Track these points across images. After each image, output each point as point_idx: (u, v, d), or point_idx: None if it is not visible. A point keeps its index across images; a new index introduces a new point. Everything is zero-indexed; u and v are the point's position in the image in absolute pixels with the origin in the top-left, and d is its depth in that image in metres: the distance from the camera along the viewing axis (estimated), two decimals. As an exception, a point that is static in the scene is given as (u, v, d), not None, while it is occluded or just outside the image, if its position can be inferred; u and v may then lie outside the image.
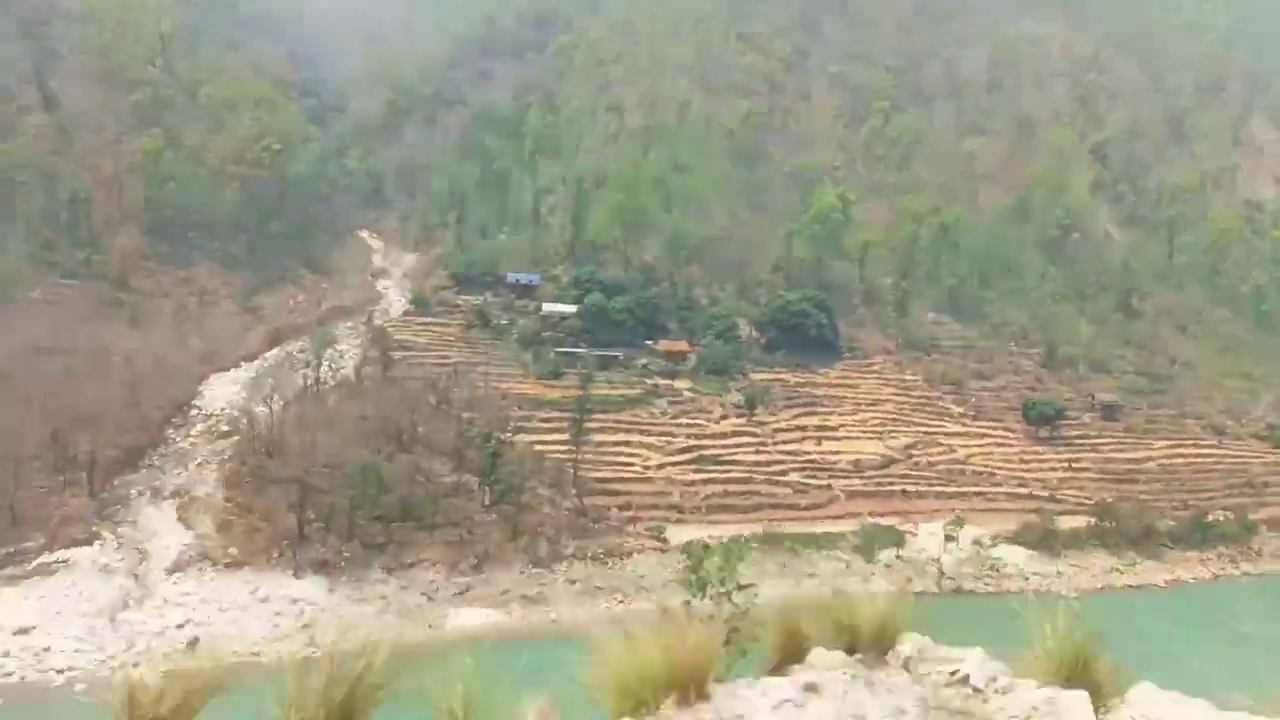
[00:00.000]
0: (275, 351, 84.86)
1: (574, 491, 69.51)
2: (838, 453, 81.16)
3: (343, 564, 60.53)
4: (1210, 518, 77.58)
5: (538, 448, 72.13)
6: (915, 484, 78.14)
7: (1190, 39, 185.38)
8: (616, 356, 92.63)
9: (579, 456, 70.92)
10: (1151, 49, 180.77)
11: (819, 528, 68.79)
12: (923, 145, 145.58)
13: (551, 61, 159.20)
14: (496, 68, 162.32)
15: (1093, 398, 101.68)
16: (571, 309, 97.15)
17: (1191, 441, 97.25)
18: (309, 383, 72.99)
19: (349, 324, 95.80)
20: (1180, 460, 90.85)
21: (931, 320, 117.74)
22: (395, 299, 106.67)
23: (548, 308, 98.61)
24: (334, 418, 67.79)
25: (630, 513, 67.60)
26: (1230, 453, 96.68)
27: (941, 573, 63.40)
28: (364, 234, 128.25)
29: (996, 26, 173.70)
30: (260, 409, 70.39)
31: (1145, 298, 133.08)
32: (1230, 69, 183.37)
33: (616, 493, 69.60)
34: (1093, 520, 74.07)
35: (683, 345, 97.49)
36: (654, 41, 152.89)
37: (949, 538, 65.70)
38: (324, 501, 62.24)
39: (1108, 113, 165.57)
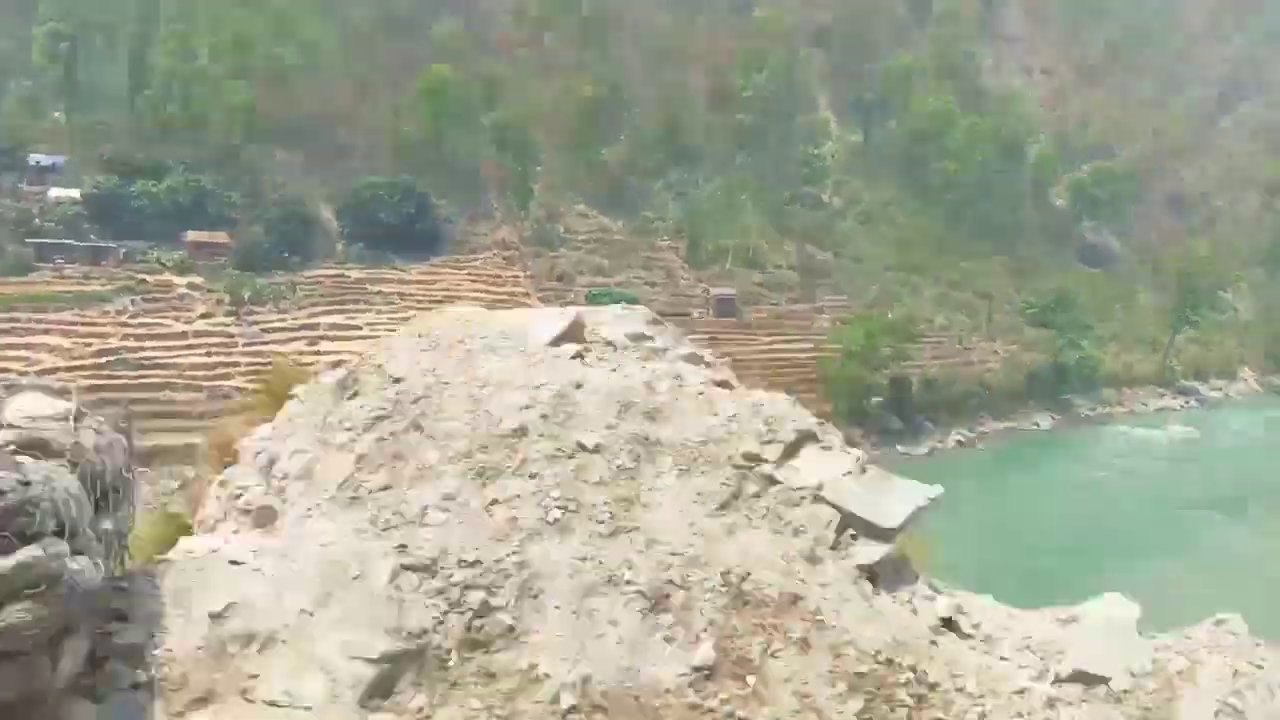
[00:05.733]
0: None
1: None
2: (328, 353, 68.74)
3: None
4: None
5: None
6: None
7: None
8: (111, 248, 77.83)
9: None
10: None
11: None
12: (620, 22, 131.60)
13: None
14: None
15: (707, 291, 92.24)
16: (75, 194, 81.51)
17: (800, 336, 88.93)
18: None
19: None
20: (765, 355, 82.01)
21: (578, 212, 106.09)
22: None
23: (54, 193, 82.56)
24: None
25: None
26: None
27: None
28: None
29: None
30: None
31: (840, 188, 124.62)
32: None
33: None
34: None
35: (220, 237, 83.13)
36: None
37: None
38: None
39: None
